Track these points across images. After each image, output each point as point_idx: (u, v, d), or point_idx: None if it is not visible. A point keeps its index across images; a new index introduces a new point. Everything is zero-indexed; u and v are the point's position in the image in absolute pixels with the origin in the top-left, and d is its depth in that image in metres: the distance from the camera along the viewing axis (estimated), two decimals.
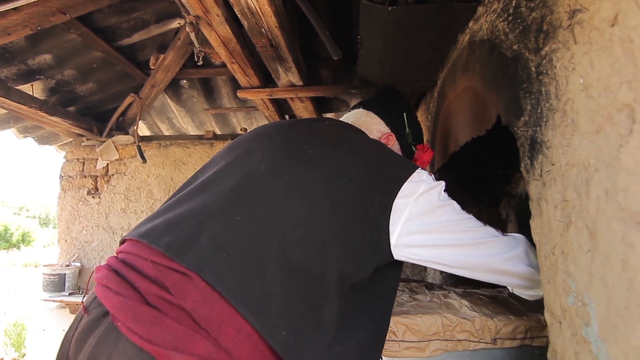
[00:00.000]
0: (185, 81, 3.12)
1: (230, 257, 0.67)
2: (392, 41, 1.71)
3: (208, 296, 0.63)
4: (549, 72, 0.81)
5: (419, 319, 1.00)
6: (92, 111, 3.14)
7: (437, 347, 0.98)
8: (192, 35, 1.66)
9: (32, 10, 1.87)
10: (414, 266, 2.91)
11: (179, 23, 2.51)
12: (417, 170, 0.83)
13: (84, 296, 0.75)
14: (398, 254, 0.80)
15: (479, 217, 0.92)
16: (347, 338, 0.73)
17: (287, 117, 3.32)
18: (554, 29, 0.79)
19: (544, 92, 0.83)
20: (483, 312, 1.04)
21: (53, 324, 2.88)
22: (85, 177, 3.27)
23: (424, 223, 0.79)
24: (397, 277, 0.89)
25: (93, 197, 3.22)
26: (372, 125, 1.07)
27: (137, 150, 3.02)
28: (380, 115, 1.09)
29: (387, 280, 0.85)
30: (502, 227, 1.93)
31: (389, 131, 1.09)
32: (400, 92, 1.21)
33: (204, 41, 1.84)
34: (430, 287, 1.42)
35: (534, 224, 0.88)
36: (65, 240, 3.22)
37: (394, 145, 1.09)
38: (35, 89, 2.60)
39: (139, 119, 3.04)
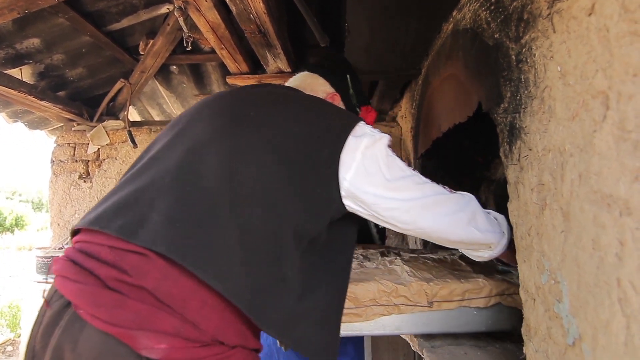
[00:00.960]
0: (175, 67, 3.12)
1: (183, 227, 0.67)
2: (378, 29, 1.74)
3: (168, 273, 0.64)
4: (528, 60, 0.84)
5: (355, 287, 1.03)
6: (82, 96, 3.12)
7: (375, 312, 1.02)
8: (181, 21, 1.68)
9: None
10: (396, 234, 2.98)
11: (168, 8, 2.50)
12: (359, 124, 0.84)
13: (44, 291, 0.77)
14: (348, 205, 0.82)
15: None
16: (312, 293, 0.77)
17: None
18: (534, 18, 0.81)
19: (523, 80, 0.86)
20: (423, 276, 1.08)
21: None
22: (76, 161, 3.28)
23: (370, 176, 0.80)
24: (354, 232, 0.91)
25: (85, 181, 3.24)
26: (317, 86, 1.08)
27: (127, 135, 3.03)
28: (325, 77, 1.10)
29: (344, 235, 0.89)
30: None
31: (334, 91, 1.09)
32: (346, 59, 1.22)
33: (192, 27, 1.85)
34: (385, 253, 1.46)
35: (511, 206, 0.92)
36: (58, 224, 3.24)
37: (339, 105, 1.10)
38: (24, 73, 2.59)
39: (129, 104, 3.04)
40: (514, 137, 0.91)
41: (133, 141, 3.05)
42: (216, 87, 3.36)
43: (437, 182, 0.89)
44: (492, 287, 1.02)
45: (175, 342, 0.62)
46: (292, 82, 1.12)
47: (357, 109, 1.14)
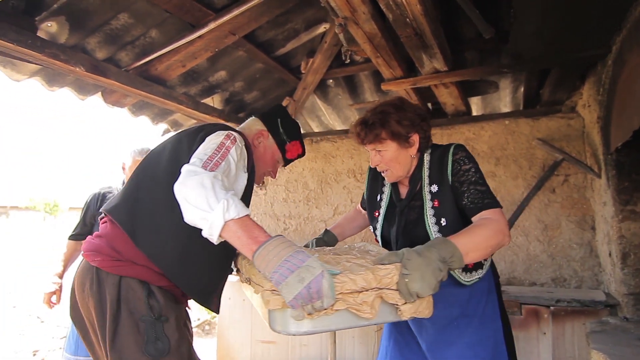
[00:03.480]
0: (331, 80, 3.34)
1: (118, 201, 1.27)
2: (553, 8, 1.54)
3: (110, 227, 1.24)
4: None
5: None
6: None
7: (246, 287, 1.28)
8: (341, 36, 1.79)
9: (211, 36, 2.26)
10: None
11: (325, 27, 2.70)
12: (218, 132, 1.27)
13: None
14: None
15: None
16: (194, 243, 1.18)
17: (429, 104, 3.25)
18: None
19: None
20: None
21: (234, 293, 3.43)
22: None
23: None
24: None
25: (260, 189, 3.73)
26: (253, 126, 1.52)
27: None
28: (262, 120, 1.53)
29: None
30: None
31: (265, 129, 1.51)
32: (283, 107, 1.61)
33: (350, 40, 1.95)
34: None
35: None
36: None
37: (268, 139, 1.51)
38: (215, 101, 3.14)
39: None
40: None
41: None
42: (369, 96, 3.47)
43: None
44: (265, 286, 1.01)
45: (106, 257, 1.20)
46: (242, 124, 1.57)
47: (287, 142, 1.52)
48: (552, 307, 2.40)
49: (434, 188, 1.37)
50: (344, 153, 3.62)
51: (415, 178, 1.43)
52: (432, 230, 1.35)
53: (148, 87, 2.41)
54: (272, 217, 3.68)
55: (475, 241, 1.13)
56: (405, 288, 0.98)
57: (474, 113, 3.40)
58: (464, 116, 3.18)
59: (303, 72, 3.04)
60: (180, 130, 1.40)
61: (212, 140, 1.22)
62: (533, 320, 2.44)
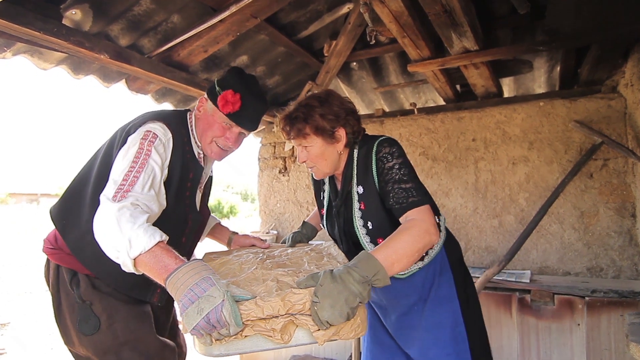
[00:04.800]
0: (355, 63, 3.25)
1: (64, 200, 1.39)
2: None
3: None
4: None
5: None
6: (277, 100, 3.57)
7: None
8: (366, 16, 1.71)
9: (232, 20, 2.22)
10: None
11: (349, 7, 2.61)
12: (139, 129, 1.27)
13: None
14: None
15: None
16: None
17: (458, 87, 3.13)
18: None
19: None
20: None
21: None
22: (276, 158, 3.79)
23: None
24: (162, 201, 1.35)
25: (283, 175, 3.72)
26: (199, 97, 1.53)
27: None
28: (206, 90, 1.47)
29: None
30: None
31: (205, 96, 1.45)
32: (237, 67, 1.48)
33: (375, 20, 1.87)
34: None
35: None
36: (265, 212, 3.82)
37: (207, 103, 1.43)
38: None
39: None
40: None
41: None
42: (394, 78, 3.36)
43: None
44: None
45: (48, 245, 1.38)
46: None
47: (218, 95, 1.37)
48: (587, 298, 2.31)
49: (360, 189, 1.34)
50: None
51: (346, 176, 1.38)
52: (361, 232, 1.34)
53: (170, 74, 2.41)
54: (295, 203, 3.66)
55: (400, 251, 1.08)
56: (316, 315, 0.93)
57: (506, 95, 3.26)
58: (495, 98, 3.05)
59: (326, 55, 2.96)
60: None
61: (131, 149, 1.22)
62: (566, 311, 2.35)
